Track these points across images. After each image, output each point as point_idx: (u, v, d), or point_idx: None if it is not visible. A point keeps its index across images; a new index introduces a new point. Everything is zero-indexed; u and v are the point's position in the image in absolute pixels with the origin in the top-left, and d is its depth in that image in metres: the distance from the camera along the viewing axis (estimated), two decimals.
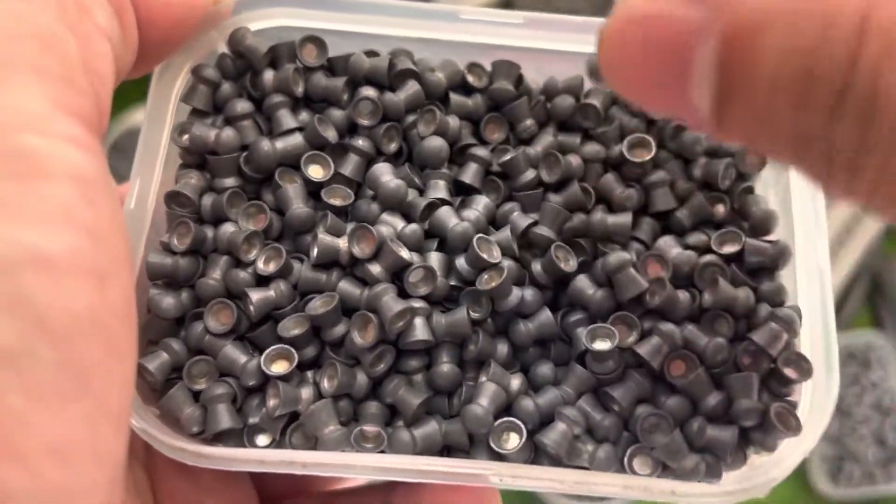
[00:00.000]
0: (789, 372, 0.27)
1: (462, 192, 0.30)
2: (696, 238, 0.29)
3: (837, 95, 0.14)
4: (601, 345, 0.27)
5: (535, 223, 0.29)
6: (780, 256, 0.28)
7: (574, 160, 0.30)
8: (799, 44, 0.14)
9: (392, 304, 0.26)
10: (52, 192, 0.19)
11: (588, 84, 0.32)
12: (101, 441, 0.19)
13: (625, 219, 0.29)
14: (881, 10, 0.13)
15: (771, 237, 0.30)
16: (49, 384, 0.18)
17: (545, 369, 0.27)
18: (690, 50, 0.15)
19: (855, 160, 0.14)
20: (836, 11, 0.13)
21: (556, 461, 0.26)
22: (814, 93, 0.14)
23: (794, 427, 0.26)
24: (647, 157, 0.30)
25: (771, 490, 0.26)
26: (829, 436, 0.72)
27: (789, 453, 0.26)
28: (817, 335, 0.27)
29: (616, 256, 0.28)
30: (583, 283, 0.28)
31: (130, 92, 0.39)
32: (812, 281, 0.28)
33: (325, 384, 0.26)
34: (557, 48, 0.31)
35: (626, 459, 0.26)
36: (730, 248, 0.28)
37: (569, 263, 0.28)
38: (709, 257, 0.28)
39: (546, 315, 0.27)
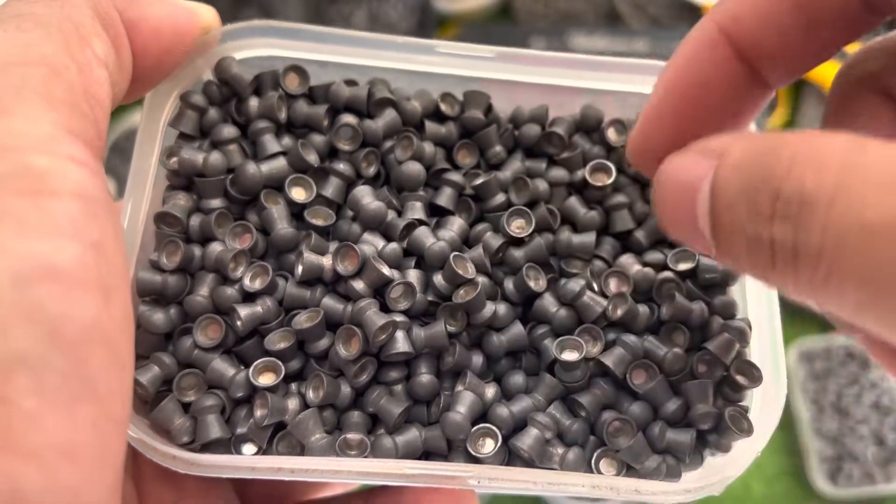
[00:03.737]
0: (741, 379, 0.29)
1: (437, 214, 0.32)
2: (654, 256, 0.31)
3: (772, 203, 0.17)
4: (569, 355, 0.28)
5: (508, 243, 0.31)
6: (730, 273, 0.31)
7: (541, 184, 0.32)
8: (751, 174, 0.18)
9: (375, 318, 0.27)
10: (60, 208, 0.20)
11: (553, 113, 0.34)
12: (106, 444, 0.20)
13: (588, 238, 0.31)
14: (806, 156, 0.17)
15: None
16: (60, 389, 0.19)
17: (517, 378, 0.29)
18: (696, 192, 0.19)
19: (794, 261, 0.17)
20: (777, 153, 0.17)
21: (528, 464, 0.28)
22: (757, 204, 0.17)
23: (746, 429, 0.28)
24: (608, 182, 0.32)
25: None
26: (829, 435, 0.71)
27: (742, 453, 0.28)
28: (765, 345, 0.30)
29: (572, 285, 0.30)
30: (547, 301, 0.30)
31: None
32: (760, 296, 0.31)
33: (311, 394, 0.28)
34: (525, 80, 0.33)
35: (593, 461, 0.28)
36: (684, 266, 0.31)
37: (538, 283, 0.30)
38: (665, 274, 0.31)
39: (518, 328, 0.29)
